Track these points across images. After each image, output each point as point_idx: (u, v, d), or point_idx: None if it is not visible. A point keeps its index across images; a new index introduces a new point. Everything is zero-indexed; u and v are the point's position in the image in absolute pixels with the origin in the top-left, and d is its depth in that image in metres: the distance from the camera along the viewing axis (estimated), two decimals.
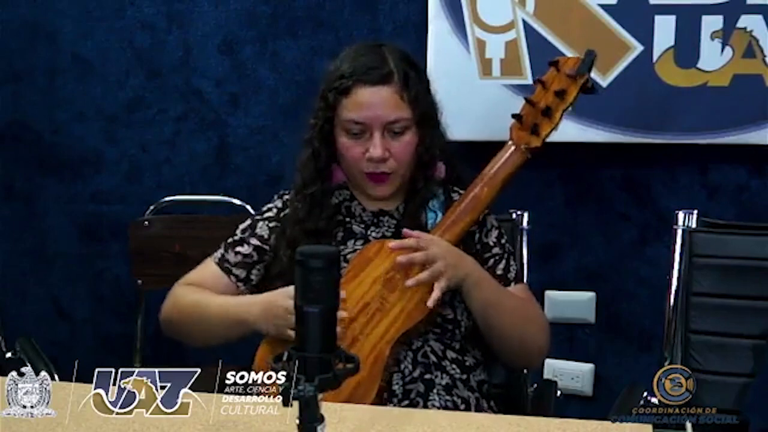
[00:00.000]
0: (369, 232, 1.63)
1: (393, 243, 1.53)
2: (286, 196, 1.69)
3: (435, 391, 1.52)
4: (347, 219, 1.65)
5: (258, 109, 2.60)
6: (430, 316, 1.53)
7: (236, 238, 1.66)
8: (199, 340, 1.63)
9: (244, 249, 1.64)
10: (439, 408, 1.51)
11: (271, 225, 1.66)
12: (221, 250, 1.66)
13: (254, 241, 1.65)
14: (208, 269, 1.65)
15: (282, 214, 1.66)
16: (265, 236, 1.65)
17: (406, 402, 1.50)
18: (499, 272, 1.62)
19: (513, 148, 1.61)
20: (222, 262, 1.64)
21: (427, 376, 1.53)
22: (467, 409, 1.53)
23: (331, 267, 1.00)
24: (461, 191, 1.67)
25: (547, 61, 1.67)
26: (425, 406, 1.50)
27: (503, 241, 1.67)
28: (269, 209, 1.69)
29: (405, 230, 1.56)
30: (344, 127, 1.57)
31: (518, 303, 1.60)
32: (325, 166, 1.63)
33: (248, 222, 1.68)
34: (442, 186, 1.67)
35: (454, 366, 1.56)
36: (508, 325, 1.56)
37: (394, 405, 1.50)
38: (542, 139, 1.61)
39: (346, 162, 1.60)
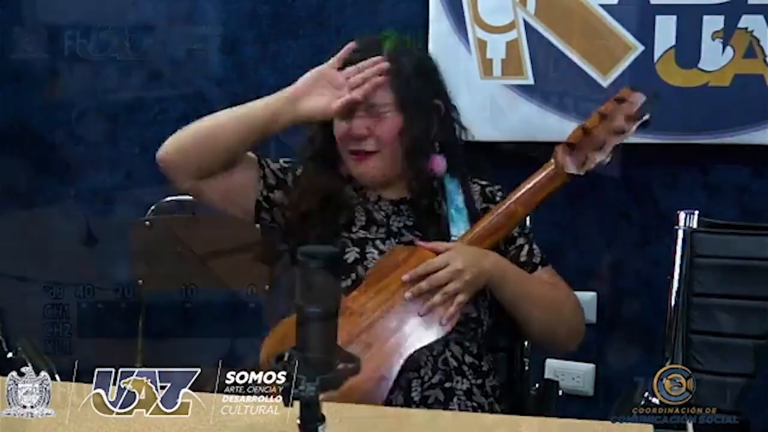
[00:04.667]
0: (391, 222, 1.60)
1: (405, 276, 1.48)
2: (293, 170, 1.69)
3: (455, 399, 1.48)
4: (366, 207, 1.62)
5: None
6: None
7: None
8: (206, 159, 1.58)
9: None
10: None
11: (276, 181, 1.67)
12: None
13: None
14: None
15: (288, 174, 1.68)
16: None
17: (424, 408, 1.46)
18: (523, 259, 1.59)
19: (556, 171, 1.57)
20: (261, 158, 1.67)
21: (447, 384, 1.49)
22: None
23: (333, 267, 1.00)
24: (481, 182, 1.66)
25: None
26: None
27: (526, 230, 1.65)
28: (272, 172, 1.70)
29: (419, 243, 1.53)
30: None
31: (547, 289, 1.57)
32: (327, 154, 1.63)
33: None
34: (459, 179, 1.64)
35: (471, 371, 1.52)
36: (541, 312, 1.54)
37: None
38: (586, 170, 1.58)
39: (338, 144, 1.60)
